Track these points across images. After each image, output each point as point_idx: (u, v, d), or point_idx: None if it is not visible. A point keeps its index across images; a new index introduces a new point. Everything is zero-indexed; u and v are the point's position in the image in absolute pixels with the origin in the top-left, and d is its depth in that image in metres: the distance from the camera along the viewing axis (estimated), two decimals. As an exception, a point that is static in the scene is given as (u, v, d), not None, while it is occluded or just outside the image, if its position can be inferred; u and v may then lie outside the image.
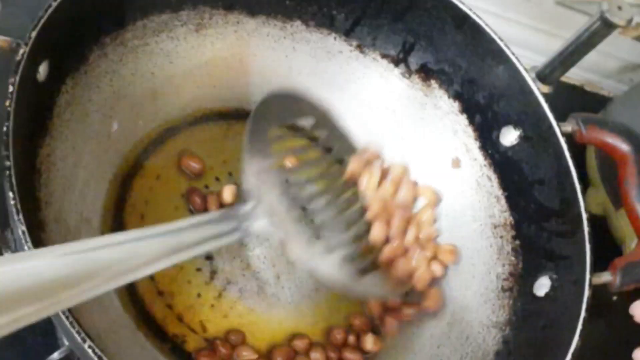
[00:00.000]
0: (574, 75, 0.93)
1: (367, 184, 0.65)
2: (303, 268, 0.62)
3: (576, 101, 0.93)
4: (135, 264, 0.45)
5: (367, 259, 0.62)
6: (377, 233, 0.63)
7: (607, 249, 0.77)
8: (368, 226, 0.64)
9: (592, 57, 0.72)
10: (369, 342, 0.64)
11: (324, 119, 0.67)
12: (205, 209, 0.65)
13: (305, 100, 0.66)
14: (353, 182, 0.66)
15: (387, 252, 0.63)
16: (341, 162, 0.67)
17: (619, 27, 0.66)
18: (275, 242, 0.66)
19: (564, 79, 0.78)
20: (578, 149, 0.64)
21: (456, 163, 0.69)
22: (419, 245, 0.65)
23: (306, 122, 0.67)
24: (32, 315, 0.38)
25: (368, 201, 0.65)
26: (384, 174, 0.67)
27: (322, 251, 0.58)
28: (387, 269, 0.63)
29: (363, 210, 0.64)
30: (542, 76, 0.71)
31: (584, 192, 0.60)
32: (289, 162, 0.65)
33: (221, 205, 0.65)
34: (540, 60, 0.72)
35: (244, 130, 0.60)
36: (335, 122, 0.67)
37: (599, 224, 0.80)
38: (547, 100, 0.63)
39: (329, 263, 0.58)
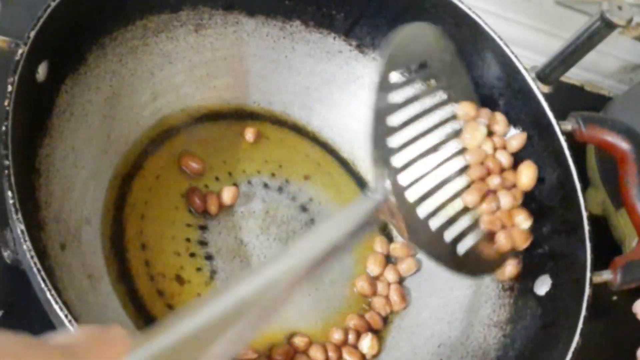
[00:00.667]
0: (574, 75, 0.93)
1: (472, 138, 0.61)
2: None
3: (576, 101, 0.93)
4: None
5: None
6: (471, 198, 0.60)
7: (607, 248, 0.77)
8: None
9: (592, 57, 0.72)
10: (368, 343, 0.63)
11: (445, 62, 0.63)
12: (204, 210, 0.65)
13: (431, 38, 0.62)
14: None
15: (487, 222, 0.60)
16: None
17: (619, 27, 0.66)
18: (280, 243, 0.66)
19: (564, 78, 0.78)
20: (578, 148, 0.64)
21: None
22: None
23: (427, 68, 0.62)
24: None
25: (469, 158, 0.61)
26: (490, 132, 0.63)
27: (431, 233, 0.57)
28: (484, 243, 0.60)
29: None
30: (542, 76, 0.71)
31: (583, 191, 0.60)
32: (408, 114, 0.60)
33: (220, 206, 0.65)
34: (540, 60, 0.72)
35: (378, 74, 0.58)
36: (456, 65, 0.64)
37: (599, 224, 0.80)
38: (547, 100, 0.63)
39: (439, 247, 0.58)
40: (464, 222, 0.59)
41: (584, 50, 0.70)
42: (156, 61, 0.66)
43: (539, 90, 0.63)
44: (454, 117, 0.62)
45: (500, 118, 0.63)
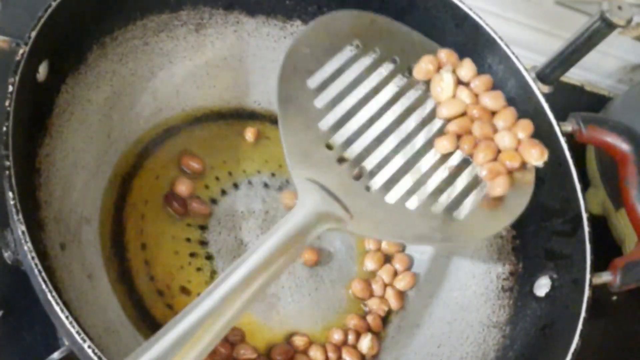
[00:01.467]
0: (574, 75, 0.93)
1: (442, 90, 0.59)
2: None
3: (576, 101, 0.93)
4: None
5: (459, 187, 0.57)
6: (445, 143, 0.57)
7: (607, 248, 0.77)
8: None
9: (592, 57, 0.72)
10: (367, 343, 0.63)
11: (373, 30, 0.60)
12: (186, 213, 0.65)
13: (342, 19, 0.59)
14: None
15: (489, 172, 0.57)
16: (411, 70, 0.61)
17: (619, 27, 0.66)
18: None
19: (564, 78, 0.78)
20: (578, 148, 0.64)
21: None
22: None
23: (351, 49, 0.60)
24: None
25: (445, 112, 0.59)
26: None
27: (403, 213, 0.54)
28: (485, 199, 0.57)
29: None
30: (542, 76, 0.71)
31: (584, 191, 0.60)
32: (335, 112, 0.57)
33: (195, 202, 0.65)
34: (540, 60, 0.72)
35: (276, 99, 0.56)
36: (391, 27, 0.61)
37: (599, 224, 0.80)
38: (547, 100, 0.63)
39: (417, 224, 0.54)
40: (459, 184, 0.57)
41: (584, 50, 0.70)
42: (156, 61, 0.66)
43: (539, 90, 0.63)
44: (410, 86, 0.60)
45: (465, 62, 0.61)
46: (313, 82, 0.57)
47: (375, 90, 0.59)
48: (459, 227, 0.56)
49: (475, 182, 0.58)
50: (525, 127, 0.59)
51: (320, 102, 0.56)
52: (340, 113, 0.57)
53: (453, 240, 0.59)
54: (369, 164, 0.56)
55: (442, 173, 0.57)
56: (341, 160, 0.55)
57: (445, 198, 0.56)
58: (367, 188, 0.55)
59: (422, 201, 0.56)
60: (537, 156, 0.58)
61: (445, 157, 0.58)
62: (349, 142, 0.56)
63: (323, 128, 0.56)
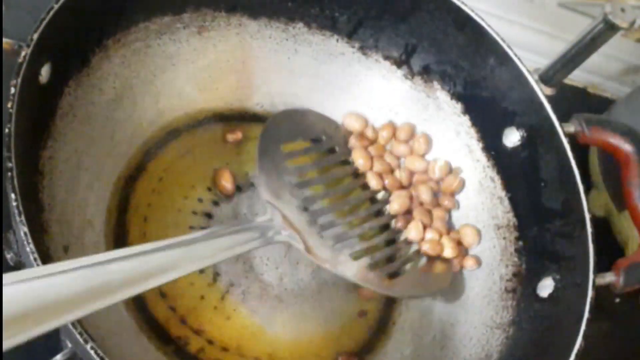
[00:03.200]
0: (577, 77, 0.93)
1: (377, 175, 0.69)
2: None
3: (579, 103, 0.93)
4: (147, 274, 0.47)
5: (398, 260, 0.65)
6: (396, 207, 0.67)
7: (610, 250, 0.77)
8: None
9: (595, 59, 0.72)
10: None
11: (331, 133, 0.70)
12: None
13: (312, 116, 0.70)
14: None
15: (425, 250, 0.66)
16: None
17: (622, 29, 0.66)
18: (283, 246, 0.66)
19: (567, 81, 0.78)
20: (581, 149, 0.64)
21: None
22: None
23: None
24: (43, 328, 0.40)
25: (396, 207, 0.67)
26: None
27: (347, 258, 0.62)
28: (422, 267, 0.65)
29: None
30: (545, 78, 0.71)
31: (586, 193, 0.60)
32: (302, 177, 0.66)
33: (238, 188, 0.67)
34: (543, 62, 0.72)
35: (256, 149, 0.64)
36: (342, 133, 0.71)
37: (602, 225, 0.80)
38: (550, 103, 0.63)
39: (356, 269, 0.62)
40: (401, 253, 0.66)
41: (587, 52, 0.70)
42: (159, 63, 0.66)
43: (542, 92, 0.63)
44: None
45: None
46: (286, 147, 0.66)
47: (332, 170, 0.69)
48: (393, 284, 0.63)
49: (413, 256, 0.66)
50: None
51: (289, 164, 0.65)
52: (304, 178, 0.66)
53: (388, 292, 0.64)
54: (323, 220, 0.64)
55: (383, 237, 0.66)
56: (302, 209, 0.63)
57: (385, 269, 0.64)
58: (321, 235, 0.62)
59: (365, 266, 0.63)
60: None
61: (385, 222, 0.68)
62: (308, 200, 0.64)
63: (292, 182, 0.64)
